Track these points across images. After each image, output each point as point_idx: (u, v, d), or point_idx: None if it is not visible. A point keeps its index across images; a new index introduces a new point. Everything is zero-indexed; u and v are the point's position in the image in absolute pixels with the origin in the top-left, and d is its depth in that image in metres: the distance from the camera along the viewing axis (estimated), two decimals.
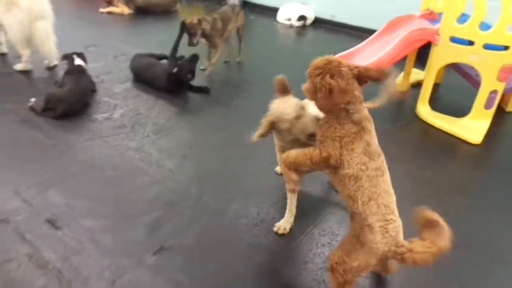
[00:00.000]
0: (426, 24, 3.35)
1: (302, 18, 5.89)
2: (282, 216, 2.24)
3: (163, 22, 5.90)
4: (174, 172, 2.64)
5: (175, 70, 3.58)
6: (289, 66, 4.38)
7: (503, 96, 3.61)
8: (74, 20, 5.81)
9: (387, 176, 1.60)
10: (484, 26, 2.97)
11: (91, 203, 2.34)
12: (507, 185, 2.71)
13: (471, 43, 2.99)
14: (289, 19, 6.01)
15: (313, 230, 2.23)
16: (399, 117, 3.61)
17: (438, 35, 3.14)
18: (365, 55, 3.58)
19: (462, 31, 3.00)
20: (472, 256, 2.12)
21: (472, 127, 3.18)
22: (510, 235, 2.29)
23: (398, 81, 3.97)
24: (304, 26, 5.96)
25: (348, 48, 3.70)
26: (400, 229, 1.57)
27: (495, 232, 2.30)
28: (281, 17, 6.15)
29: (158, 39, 5.11)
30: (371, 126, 1.59)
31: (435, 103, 3.59)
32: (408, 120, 3.49)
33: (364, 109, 1.59)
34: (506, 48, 2.92)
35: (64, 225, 2.16)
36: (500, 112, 3.61)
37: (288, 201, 2.20)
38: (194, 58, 3.66)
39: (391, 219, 1.52)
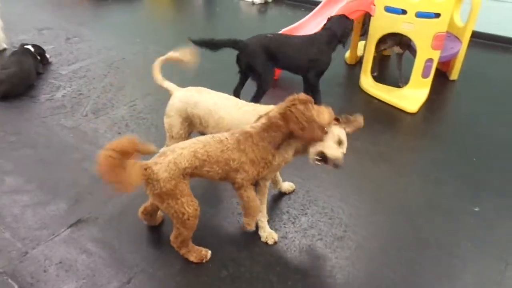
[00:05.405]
0: None
1: None
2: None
3: (122, 5, 5.83)
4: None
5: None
6: None
7: (445, 64, 3.65)
8: (29, 3, 5.71)
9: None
10: None
11: (19, 180, 2.38)
12: (432, 152, 2.76)
13: (404, 12, 3.00)
14: None
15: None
16: (343, 88, 3.64)
17: (374, 5, 3.15)
18: (307, 30, 3.59)
19: (395, 0, 3.00)
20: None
21: (410, 97, 3.22)
22: (430, 198, 2.36)
23: (347, 55, 3.98)
24: (266, 3, 5.92)
25: None
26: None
27: (414, 197, 2.37)
28: None
29: (116, 21, 5.08)
30: None
31: (383, 75, 3.63)
32: (351, 92, 3.52)
33: None
34: (437, 15, 2.93)
35: None
36: (444, 80, 3.64)
37: None
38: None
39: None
